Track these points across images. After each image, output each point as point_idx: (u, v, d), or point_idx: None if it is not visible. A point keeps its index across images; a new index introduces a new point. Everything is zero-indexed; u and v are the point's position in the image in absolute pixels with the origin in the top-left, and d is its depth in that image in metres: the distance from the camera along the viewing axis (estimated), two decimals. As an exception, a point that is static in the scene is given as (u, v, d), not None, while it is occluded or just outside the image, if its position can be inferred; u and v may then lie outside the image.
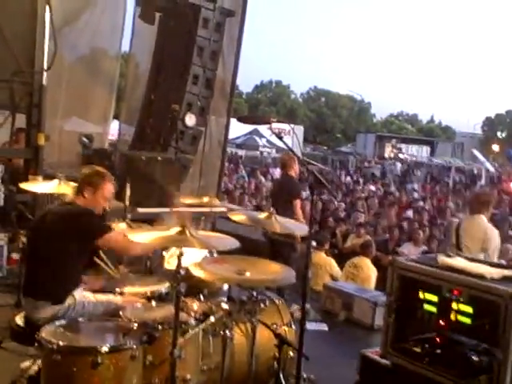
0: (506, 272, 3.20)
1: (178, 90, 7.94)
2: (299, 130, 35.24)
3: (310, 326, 5.62)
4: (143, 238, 3.34)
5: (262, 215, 3.86)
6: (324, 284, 7.37)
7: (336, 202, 14.33)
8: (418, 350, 3.27)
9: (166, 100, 8.04)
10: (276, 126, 3.97)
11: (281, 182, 7.92)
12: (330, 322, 6.48)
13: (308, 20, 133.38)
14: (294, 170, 7.35)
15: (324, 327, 6.34)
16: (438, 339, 3.26)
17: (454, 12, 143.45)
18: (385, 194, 17.50)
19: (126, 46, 10.84)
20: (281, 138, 3.49)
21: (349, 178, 24.32)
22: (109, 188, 3.96)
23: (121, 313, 3.53)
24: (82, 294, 3.76)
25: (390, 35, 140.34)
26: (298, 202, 7.03)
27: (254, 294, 3.57)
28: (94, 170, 4.03)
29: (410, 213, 14.19)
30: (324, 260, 8.47)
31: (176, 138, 7.40)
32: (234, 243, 3.32)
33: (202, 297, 3.95)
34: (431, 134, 72.53)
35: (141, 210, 6.16)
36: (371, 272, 8.04)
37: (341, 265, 8.50)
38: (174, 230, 3.18)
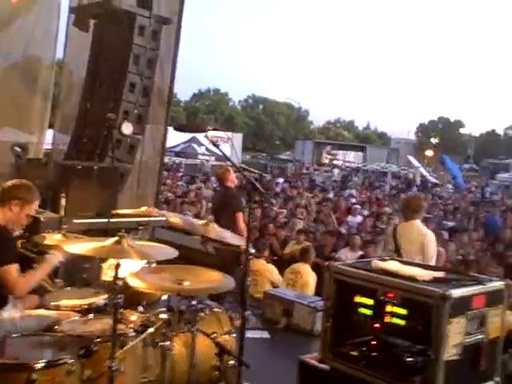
0: (437, 274, 3.30)
1: (115, 98, 7.84)
2: (238, 137, 35.38)
3: (251, 333, 5.63)
4: (79, 248, 3.28)
5: (200, 222, 3.87)
6: (264, 291, 7.41)
7: (276, 209, 14.44)
8: (354, 353, 3.32)
9: (102, 108, 7.92)
10: (213, 133, 3.99)
11: (221, 195, 7.94)
12: (271, 329, 6.51)
13: (245, 28, 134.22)
14: (232, 181, 7.39)
15: (265, 334, 6.37)
16: (373, 342, 3.33)
17: (387, 17, 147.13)
18: (323, 200, 17.72)
19: (60, 53, 10.64)
20: (217, 146, 3.51)
21: (287, 185, 24.52)
22: (36, 205, 3.85)
23: (56, 327, 3.45)
24: (11, 311, 3.65)
25: (328, 43, 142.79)
26: (240, 215, 7.06)
27: (194, 303, 3.57)
28: (23, 183, 3.91)
29: (348, 218, 14.44)
30: (264, 267, 8.49)
31: (112, 146, 7.29)
32: (172, 253, 3.31)
33: (140, 308, 3.91)
34: (367, 140, 74.13)
35: (77, 220, 6.04)
36: (310, 278, 8.11)
37: (281, 271, 8.56)
38: (111, 241, 3.14)
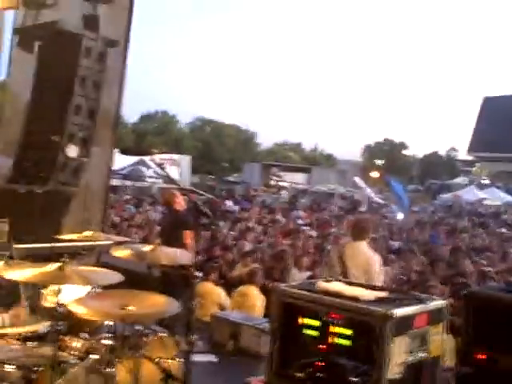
0: (379, 294, 3.36)
1: (60, 120, 7.73)
2: (186, 159, 35.17)
3: (198, 357, 5.56)
4: (21, 275, 3.21)
5: (148, 248, 3.83)
6: (211, 314, 7.36)
7: (225, 231, 14.43)
8: (300, 375, 3.34)
9: (47, 131, 7.80)
10: (160, 156, 3.97)
11: (169, 218, 7.90)
12: (219, 353, 6.46)
13: (193, 50, 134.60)
14: (179, 204, 7.38)
15: (212, 358, 6.31)
16: (319, 363, 3.35)
17: (329, 40, 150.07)
18: (271, 222, 17.81)
19: (3, 75, 10.43)
20: (163, 169, 3.50)
21: (237, 207, 24.56)
22: None
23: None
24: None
25: (274, 66, 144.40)
26: (187, 233, 7.04)
27: (139, 328, 3.53)
28: None
29: (297, 240, 14.53)
30: (212, 290, 8.44)
31: (57, 169, 7.18)
32: (116, 277, 3.27)
33: (84, 334, 3.83)
34: (314, 162, 74.99)
35: (19, 246, 5.89)
36: (258, 300, 8.10)
37: (229, 294, 8.53)
38: (54, 267, 3.09)
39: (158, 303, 3.51)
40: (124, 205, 21.85)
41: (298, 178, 51.04)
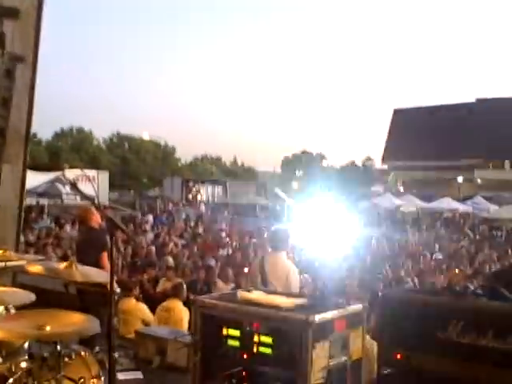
0: (298, 301, 3.41)
1: (-32, 138, 7.44)
2: (104, 175, 34.50)
3: (124, 375, 5.47)
4: None
5: (62, 265, 3.73)
6: (135, 330, 7.23)
7: (145, 246, 14.27)
8: (224, 385, 3.34)
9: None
10: (73, 172, 3.89)
11: (84, 236, 7.73)
12: (145, 369, 6.35)
13: (106, 65, 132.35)
14: (95, 221, 7.23)
15: (138, 375, 6.18)
16: (243, 373, 3.36)
17: (243, 60, 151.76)
18: (193, 236, 17.74)
19: None
20: (74, 185, 3.42)
21: (158, 222, 24.29)
22: None
23: None
24: None
25: (190, 79, 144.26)
26: (104, 254, 6.90)
27: (58, 348, 3.42)
28: None
29: (221, 252, 14.56)
30: (134, 306, 8.31)
31: (-34, 189, 6.88)
32: (28, 297, 3.16)
33: (-1, 358, 3.67)
34: (235, 175, 75.41)
35: None
36: (183, 314, 8.05)
37: (154, 309, 8.42)
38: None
39: (77, 322, 3.41)
40: (41, 223, 21.25)
41: (219, 191, 51.07)
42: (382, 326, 3.28)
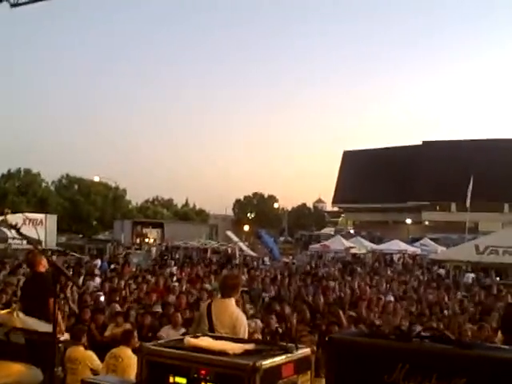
0: (247, 346, 3.38)
1: None
2: (52, 219, 33.88)
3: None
4: None
5: (3, 312, 3.63)
6: (82, 380, 7.01)
7: (96, 292, 13.99)
8: None
9: None
10: (20, 216, 3.82)
11: (30, 281, 7.54)
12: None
13: (55, 104, 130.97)
14: (43, 266, 7.08)
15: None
16: (189, 422, 3.28)
17: (184, 99, 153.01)
18: (143, 280, 17.47)
19: None
20: (17, 230, 3.36)
21: (106, 266, 23.85)
22: None
23: None
24: None
25: (141, 120, 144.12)
26: (51, 301, 6.74)
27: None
28: None
29: (170, 297, 14.35)
30: (82, 354, 8.09)
31: None
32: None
33: None
34: (186, 217, 75.10)
35: None
36: (132, 361, 7.85)
37: (102, 357, 8.20)
38: None
39: (18, 372, 3.31)
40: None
41: (166, 233, 50.36)
42: (329, 369, 3.27)
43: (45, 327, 4.10)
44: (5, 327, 3.87)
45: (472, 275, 26.34)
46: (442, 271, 30.05)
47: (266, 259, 35.65)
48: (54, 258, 19.90)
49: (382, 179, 78.98)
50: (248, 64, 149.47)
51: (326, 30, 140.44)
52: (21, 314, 3.59)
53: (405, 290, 19.32)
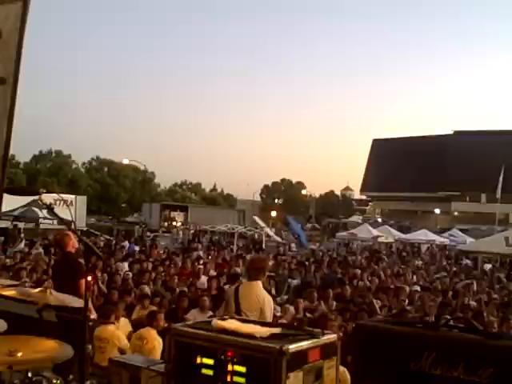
0: (274, 330, 3.41)
1: None
2: (82, 200, 34.31)
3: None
4: None
5: (36, 290, 3.70)
6: (109, 358, 7.13)
7: (122, 273, 14.15)
8: (196, 415, 3.30)
9: None
10: (51, 196, 3.89)
11: (61, 261, 7.66)
12: (118, 398, 6.25)
13: (87, 88, 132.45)
14: (72, 246, 7.17)
15: (110, 404, 6.09)
16: (216, 402, 3.33)
17: (221, 77, 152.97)
18: (171, 263, 17.61)
19: None
20: (51, 210, 3.42)
21: (136, 248, 24.07)
22: None
23: None
24: None
25: (172, 106, 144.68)
26: (81, 282, 6.84)
27: (29, 375, 3.38)
28: None
29: (198, 279, 14.49)
30: (111, 333, 8.22)
31: None
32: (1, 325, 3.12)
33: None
34: (214, 202, 75.41)
35: None
36: (157, 343, 7.97)
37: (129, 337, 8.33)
38: None
39: (50, 348, 3.38)
40: (16, 247, 21.06)
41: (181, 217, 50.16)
42: (355, 356, 3.28)
43: (77, 303, 4.17)
44: (37, 305, 3.94)
45: (490, 266, 26.06)
46: (468, 262, 29.71)
47: (293, 245, 35.63)
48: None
49: (412, 168, 78.19)
50: (282, 51, 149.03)
51: (362, 20, 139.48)
52: (54, 292, 3.67)
53: (432, 281, 19.18)
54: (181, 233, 39.07)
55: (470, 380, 2.86)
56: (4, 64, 8.52)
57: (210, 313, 9.73)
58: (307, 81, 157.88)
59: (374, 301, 11.74)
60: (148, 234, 36.92)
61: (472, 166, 72.62)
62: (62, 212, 3.79)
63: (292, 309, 10.37)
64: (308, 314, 10.40)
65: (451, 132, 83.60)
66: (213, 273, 16.05)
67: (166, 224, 46.59)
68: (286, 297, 13.10)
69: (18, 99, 8.50)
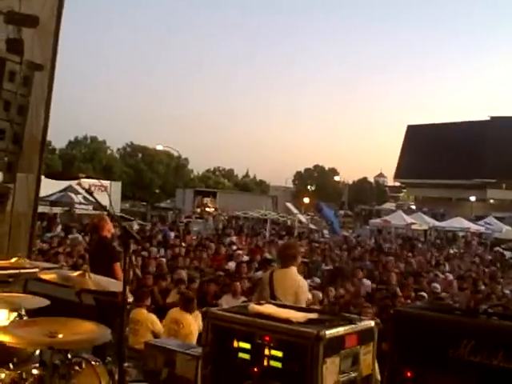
0: (310, 315, 3.41)
1: (-16, 145, 7.50)
2: (117, 186, 34.65)
3: (132, 386, 5.45)
4: None
5: (75, 273, 3.76)
6: (145, 342, 7.23)
7: (157, 257, 14.32)
8: (233, 398, 3.33)
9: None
10: (87, 181, 3.94)
11: (97, 245, 7.77)
12: (153, 381, 6.33)
13: (122, 75, 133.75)
14: (108, 230, 7.26)
15: (146, 387, 6.18)
16: (253, 386, 3.35)
17: (258, 63, 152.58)
18: (205, 248, 17.72)
19: None
20: (91, 194, 3.46)
21: (171, 234, 24.26)
22: None
23: None
24: None
25: (203, 92, 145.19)
26: (117, 266, 6.93)
27: (69, 356, 3.43)
28: None
29: (230, 264, 14.54)
30: (145, 316, 8.32)
31: (-20, 196, 6.93)
32: (41, 301, 3.18)
33: (11, 365, 3.69)
34: (246, 188, 75.53)
35: None
36: (193, 327, 8.05)
37: (163, 321, 8.42)
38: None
39: (89, 330, 3.43)
40: (53, 231, 21.43)
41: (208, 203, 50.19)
42: (393, 341, 3.27)
43: (115, 286, 4.22)
44: (76, 287, 4.00)
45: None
46: (501, 250, 29.27)
47: (326, 232, 35.53)
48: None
49: (447, 155, 77.02)
50: (320, 38, 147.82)
51: (401, 10, 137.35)
52: (92, 275, 3.72)
53: (467, 269, 18.96)
54: (211, 219, 39.16)
55: (510, 368, 2.82)
56: (42, 51, 8.61)
57: (243, 298, 9.77)
58: (344, 68, 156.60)
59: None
60: (182, 219, 37.16)
61: (509, 152, 71.21)
62: (99, 197, 3.83)
63: (320, 294, 10.35)
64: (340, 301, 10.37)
65: (488, 118, 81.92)
66: (246, 258, 16.10)
67: (198, 210, 46.79)
68: (318, 280, 13.05)
69: (55, 84, 8.58)
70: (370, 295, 11.09)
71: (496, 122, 78.65)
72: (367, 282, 12.95)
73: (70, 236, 19.48)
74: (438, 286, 13.12)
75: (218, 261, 15.37)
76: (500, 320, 3.08)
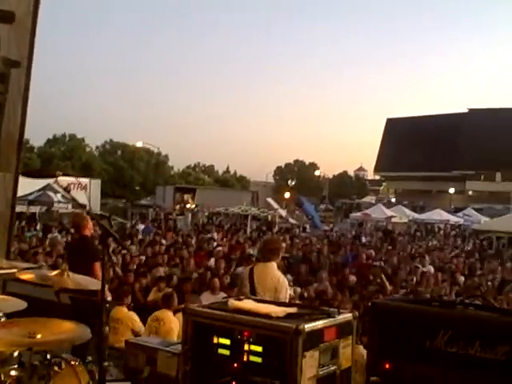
0: (290, 309, 3.43)
1: (-41, 145, 7.40)
2: (96, 183, 34.37)
3: (113, 385, 5.44)
4: None
5: (54, 273, 3.73)
6: (126, 340, 7.20)
7: (137, 255, 14.26)
8: (213, 395, 3.34)
9: None
10: (65, 179, 3.91)
11: (76, 244, 7.71)
12: (135, 380, 6.31)
13: (100, 72, 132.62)
14: (88, 229, 7.22)
15: (128, 385, 6.16)
16: (233, 382, 3.36)
17: (237, 57, 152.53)
18: (185, 245, 17.69)
19: None
20: (68, 192, 3.44)
21: (150, 230, 24.15)
22: None
23: None
24: None
25: (184, 89, 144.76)
26: (97, 265, 6.89)
27: (48, 356, 3.41)
28: None
29: (210, 262, 14.51)
30: (125, 315, 8.31)
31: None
32: (20, 304, 3.16)
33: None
34: (227, 184, 75.44)
35: None
36: (173, 324, 8.03)
37: (144, 319, 8.39)
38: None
39: (68, 330, 3.41)
40: (31, 231, 21.22)
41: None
42: (371, 334, 3.30)
43: (94, 285, 4.20)
44: (55, 287, 3.98)
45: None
46: (478, 242, 29.63)
47: (307, 227, 35.65)
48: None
49: (426, 147, 77.55)
50: (294, 32, 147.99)
51: (375, 4, 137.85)
52: (71, 274, 3.70)
53: (446, 260, 19.14)
54: (190, 215, 39.00)
55: (486, 357, 2.86)
56: (18, 47, 8.51)
57: (222, 294, 9.77)
58: (321, 61, 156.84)
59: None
60: (162, 216, 37.04)
61: (486, 144, 71.87)
62: (78, 195, 3.81)
63: (298, 289, 10.39)
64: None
65: (466, 110, 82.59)
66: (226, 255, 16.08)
67: (178, 207, 46.64)
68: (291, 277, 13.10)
69: (32, 81, 8.48)
70: (352, 289, 11.12)
71: (474, 114, 79.34)
72: (352, 277, 12.99)
73: (49, 235, 19.32)
74: (417, 278, 13.25)
75: (199, 257, 15.35)
76: (476, 310, 3.13)
